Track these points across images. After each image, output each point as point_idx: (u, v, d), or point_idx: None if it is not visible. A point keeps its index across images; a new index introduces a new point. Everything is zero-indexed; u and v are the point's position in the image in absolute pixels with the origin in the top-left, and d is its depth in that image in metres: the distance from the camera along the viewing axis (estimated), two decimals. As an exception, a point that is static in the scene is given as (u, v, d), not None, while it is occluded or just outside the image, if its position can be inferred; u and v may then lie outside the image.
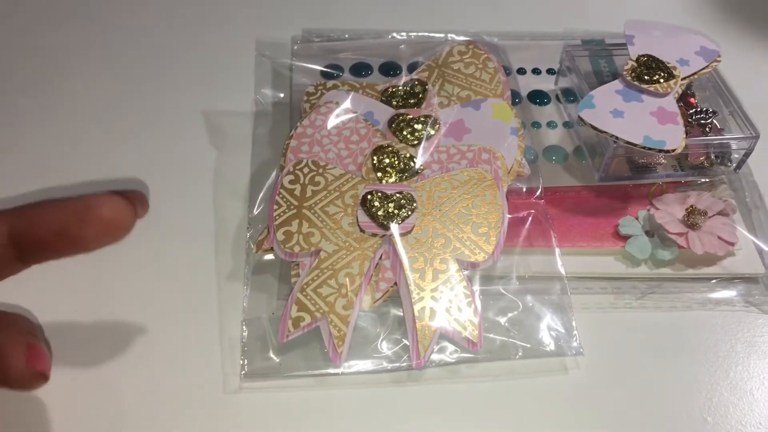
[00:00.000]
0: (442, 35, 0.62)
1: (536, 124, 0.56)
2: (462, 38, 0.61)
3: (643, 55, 0.52)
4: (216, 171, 0.53)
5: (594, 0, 0.70)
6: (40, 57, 0.61)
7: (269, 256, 0.47)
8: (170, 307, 0.46)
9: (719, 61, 0.53)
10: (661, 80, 0.50)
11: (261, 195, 0.50)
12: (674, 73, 0.51)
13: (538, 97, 0.58)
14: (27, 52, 0.61)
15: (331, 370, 0.43)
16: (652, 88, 0.50)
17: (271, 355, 0.43)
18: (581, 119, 0.49)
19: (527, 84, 0.59)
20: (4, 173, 0.52)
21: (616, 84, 0.51)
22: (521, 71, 0.60)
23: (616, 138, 0.47)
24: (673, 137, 0.47)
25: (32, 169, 0.53)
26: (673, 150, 0.47)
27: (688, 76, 0.52)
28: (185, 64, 0.61)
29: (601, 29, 0.63)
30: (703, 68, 0.52)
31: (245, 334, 0.44)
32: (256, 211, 0.49)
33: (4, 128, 0.55)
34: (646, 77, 0.51)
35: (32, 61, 0.61)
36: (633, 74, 0.51)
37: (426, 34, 0.62)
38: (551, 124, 0.56)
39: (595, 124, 0.48)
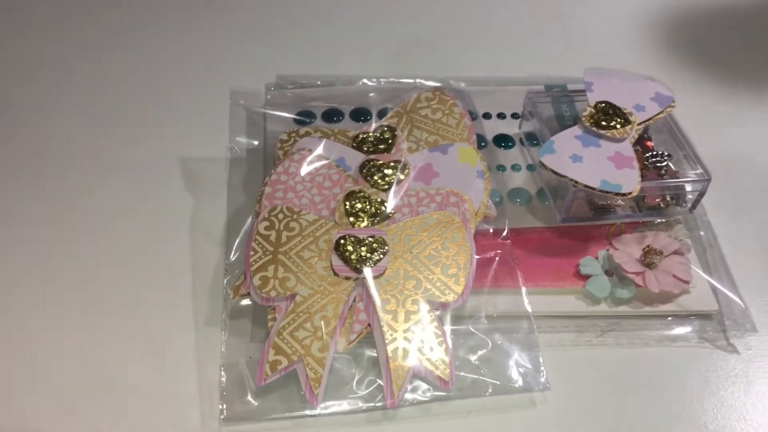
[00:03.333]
0: (411, 81, 0.64)
1: (501, 167, 0.59)
2: (430, 83, 0.64)
3: (601, 102, 0.55)
4: (192, 218, 0.55)
5: (556, 47, 0.73)
6: (14, 105, 0.62)
7: (246, 301, 0.48)
8: (148, 354, 0.47)
9: (673, 107, 0.56)
10: (618, 126, 0.53)
11: (237, 241, 0.52)
12: (630, 119, 0.53)
13: (503, 140, 0.61)
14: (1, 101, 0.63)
15: (309, 412, 0.44)
16: (609, 133, 0.53)
17: (250, 398, 0.45)
18: (542, 164, 0.51)
19: (493, 128, 0.62)
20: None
21: (576, 129, 0.54)
22: (487, 116, 0.63)
23: (576, 182, 0.50)
24: (629, 181, 0.50)
25: (7, 217, 0.54)
26: (629, 193, 0.49)
27: (644, 122, 0.54)
28: (160, 112, 0.63)
29: (564, 75, 0.66)
30: (659, 113, 0.55)
31: (224, 379, 0.45)
32: (232, 257, 0.51)
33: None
34: (603, 123, 0.53)
35: (6, 109, 0.62)
36: (591, 120, 0.53)
37: (395, 79, 0.64)
38: (516, 167, 0.59)
39: (555, 168, 0.50)
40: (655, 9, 0.78)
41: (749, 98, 0.68)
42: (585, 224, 0.54)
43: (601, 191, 0.49)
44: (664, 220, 0.55)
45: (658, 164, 0.55)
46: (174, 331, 0.48)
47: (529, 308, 0.49)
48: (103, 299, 0.50)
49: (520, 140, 0.61)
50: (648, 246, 0.51)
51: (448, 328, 0.47)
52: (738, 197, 0.59)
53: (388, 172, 0.53)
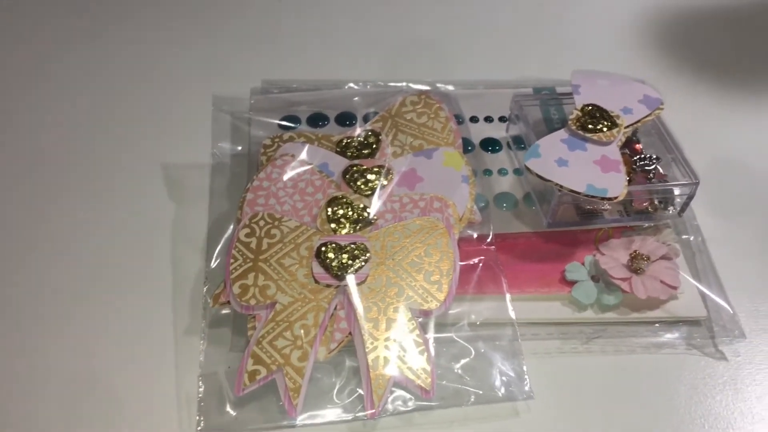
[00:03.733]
0: (397, 84, 0.64)
1: (488, 172, 0.58)
2: (418, 87, 0.63)
3: (588, 105, 0.54)
4: (174, 224, 0.54)
5: (545, 49, 0.72)
6: None
7: (226, 310, 0.48)
8: (125, 363, 0.47)
9: (662, 109, 0.55)
10: (605, 129, 0.52)
11: (218, 248, 0.51)
12: (617, 122, 0.53)
13: (490, 144, 0.60)
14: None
15: (287, 423, 0.44)
16: (595, 137, 0.52)
17: (228, 409, 0.44)
18: (527, 168, 0.50)
19: (480, 132, 0.61)
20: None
21: (562, 133, 0.53)
22: (474, 119, 0.62)
23: (561, 186, 0.49)
24: (615, 185, 0.49)
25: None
26: (615, 198, 0.48)
27: (632, 125, 0.54)
28: (143, 118, 0.62)
29: (553, 77, 0.65)
30: (647, 116, 0.54)
31: (201, 389, 0.45)
32: (213, 265, 0.50)
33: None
34: (590, 126, 0.52)
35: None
36: (577, 123, 0.53)
37: (382, 83, 0.64)
38: (502, 172, 0.58)
39: (540, 172, 0.50)
40: (644, 11, 0.77)
41: (739, 101, 0.68)
42: (572, 229, 0.54)
43: (587, 196, 0.49)
44: (652, 225, 0.54)
45: (646, 167, 0.54)
46: (152, 340, 0.48)
47: (513, 315, 0.49)
48: (80, 307, 0.49)
49: (507, 144, 0.60)
50: (635, 251, 0.51)
51: (431, 335, 0.47)
52: (728, 201, 0.58)
53: (371, 177, 0.52)
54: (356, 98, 0.62)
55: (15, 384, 0.45)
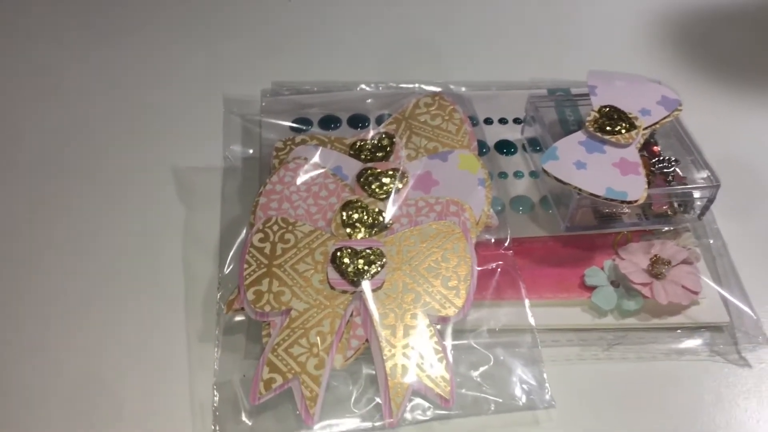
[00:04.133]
0: (409, 85, 0.63)
1: (503, 174, 0.57)
2: (430, 89, 0.62)
3: (606, 106, 0.53)
4: (185, 229, 0.53)
5: (560, 49, 0.71)
6: (7, 113, 0.61)
7: (240, 317, 0.47)
8: (139, 371, 0.46)
9: (680, 110, 0.54)
10: (623, 131, 0.51)
11: (231, 253, 0.50)
12: (636, 123, 0.52)
13: (505, 146, 0.59)
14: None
15: (304, 432, 0.43)
16: (614, 138, 0.51)
17: (243, 418, 0.43)
18: (545, 171, 0.49)
19: (495, 134, 0.60)
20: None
21: (579, 135, 0.52)
22: (488, 121, 0.61)
23: (580, 189, 0.48)
24: (635, 188, 0.48)
25: None
26: (635, 201, 0.47)
27: (650, 126, 0.53)
28: (154, 120, 0.62)
29: (568, 78, 0.64)
30: (665, 117, 0.54)
31: (216, 398, 0.44)
32: (226, 271, 0.49)
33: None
34: (608, 128, 0.52)
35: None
36: (595, 125, 0.52)
37: (394, 84, 0.63)
38: (518, 174, 0.57)
39: (559, 175, 0.49)
40: (660, 9, 0.76)
41: (760, 100, 0.67)
42: (590, 233, 0.53)
43: (606, 199, 0.48)
44: (671, 228, 0.53)
45: (665, 170, 0.53)
46: (166, 347, 0.47)
47: (532, 321, 0.48)
48: (92, 312, 0.49)
49: (523, 146, 0.59)
50: (655, 255, 0.50)
51: (448, 342, 0.46)
52: (748, 204, 0.57)
53: (386, 180, 0.51)
54: (368, 100, 0.61)
55: (27, 389, 0.45)
